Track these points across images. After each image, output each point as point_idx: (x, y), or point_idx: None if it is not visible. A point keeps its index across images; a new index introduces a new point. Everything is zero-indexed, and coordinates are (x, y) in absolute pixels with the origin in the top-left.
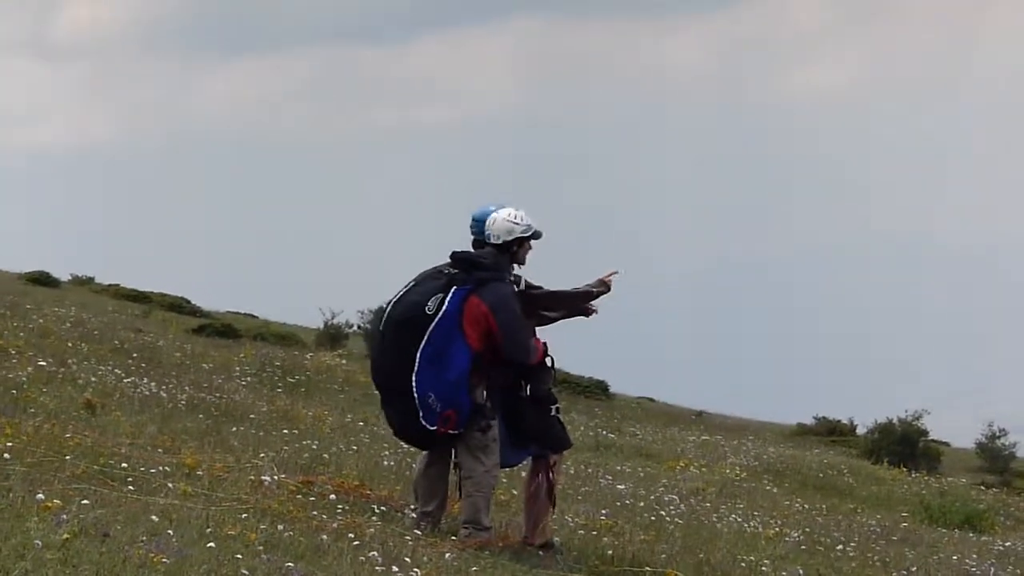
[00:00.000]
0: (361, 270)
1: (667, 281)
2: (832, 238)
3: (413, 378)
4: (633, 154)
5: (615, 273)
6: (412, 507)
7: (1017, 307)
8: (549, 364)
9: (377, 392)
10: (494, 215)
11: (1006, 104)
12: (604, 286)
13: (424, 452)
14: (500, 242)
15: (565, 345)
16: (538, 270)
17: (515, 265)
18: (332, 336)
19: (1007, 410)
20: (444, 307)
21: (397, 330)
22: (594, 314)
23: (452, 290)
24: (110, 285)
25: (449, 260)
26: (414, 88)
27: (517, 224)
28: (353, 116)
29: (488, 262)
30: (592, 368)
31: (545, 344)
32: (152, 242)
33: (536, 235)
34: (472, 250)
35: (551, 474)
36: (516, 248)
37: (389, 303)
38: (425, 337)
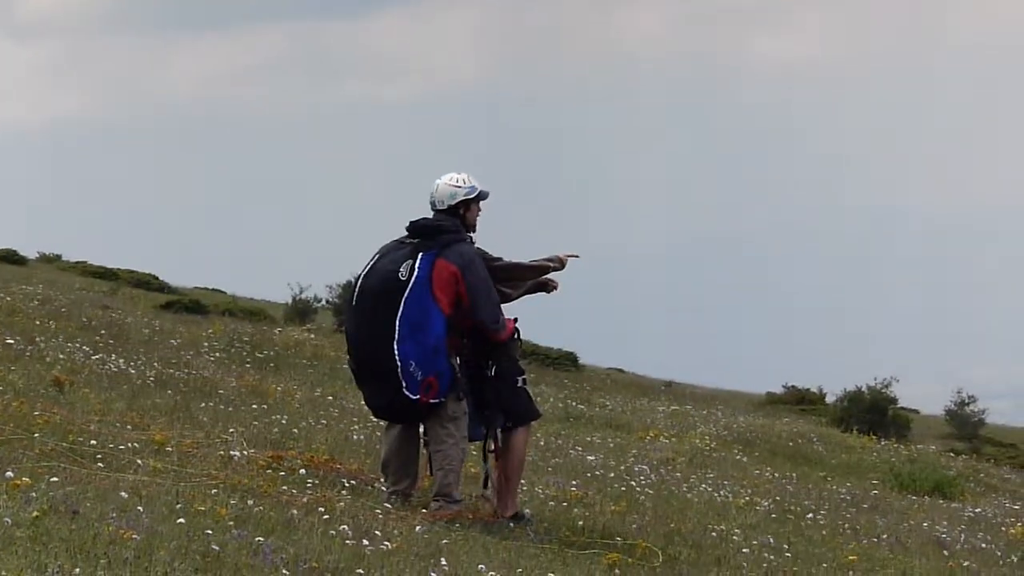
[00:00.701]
0: (329, 245)
1: (636, 253)
2: (800, 210)
3: (395, 347)
4: (600, 129)
5: (573, 256)
6: (383, 484)
7: (985, 276)
8: (514, 336)
9: (353, 371)
10: (437, 181)
11: (975, 78)
12: (559, 262)
13: (392, 431)
14: (446, 207)
15: (535, 317)
16: (504, 243)
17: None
18: (301, 311)
19: (976, 377)
20: (415, 272)
21: (374, 300)
22: (554, 289)
23: (420, 256)
24: (78, 262)
25: (408, 231)
26: (380, 63)
27: (459, 187)
28: (320, 91)
29: (448, 224)
30: (561, 340)
31: (516, 322)
32: (119, 219)
33: (481, 196)
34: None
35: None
36: (463, 211)
37: (359, 276)
38: (401, 304)
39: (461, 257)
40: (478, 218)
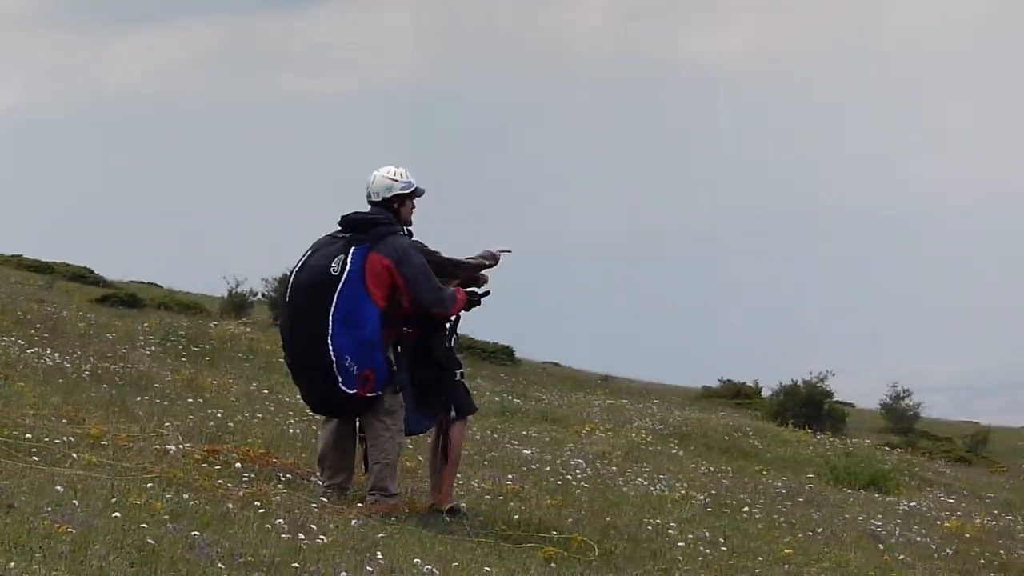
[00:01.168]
0: (265, 239)
1: (573, 248)
2: (733, 205)
3: (329, 342)
4: (535, 124)
5: (506, 251)
6: (319, 479)
7: (920, 270)
8: (449, 327)
9: (289, 367)
10: (374, 173)
11: (904, 70)
12: (493, 259)
13: (328, 425)
14: (380, 199)
15: (471, 311)
16: (438, 239)
17: (405, 228)
18: (236, 305)
19: (911, 371)
20: (348, 267)
21: (307, 295)
22: (485, 282)
23: (352, 250)
24: (12, 256)
25: (340, 226)
26: (315, 57)
27: (396, 181)
28: (254, 85)
29: (382, 217)
30: (498, 334)
31: (470, 294)
32: (55, 212)
33: (417, 193)
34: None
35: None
36: (397, 206)
37: (292, 273)
38: (334, 299)
39: (395, 250)
40: (413, 214)
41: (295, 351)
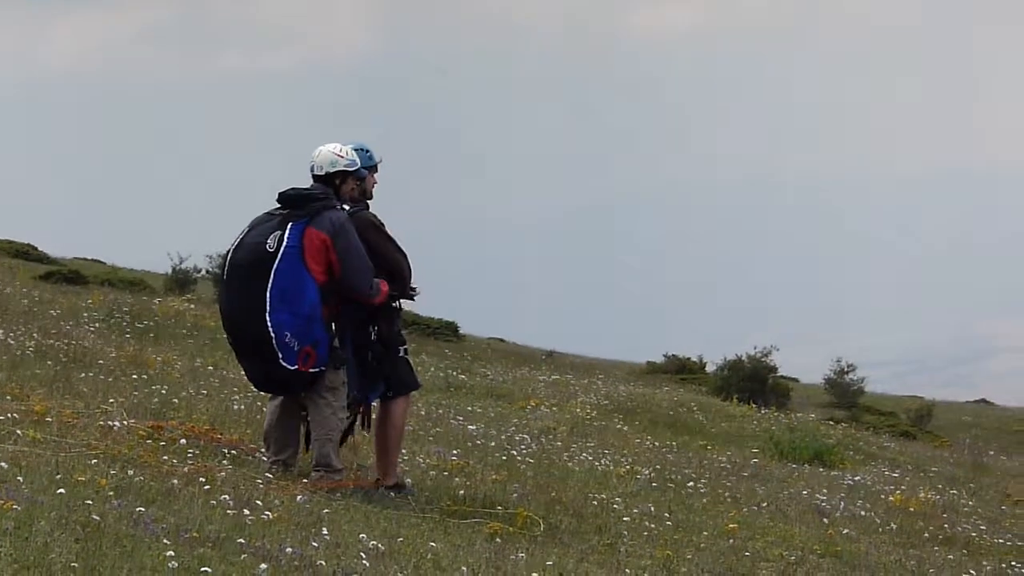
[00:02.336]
0: (209, 215)
1: (516, 224)
2: (678, 180)
3: (267, 318)
4: (481, 101)
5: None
6: (264, 455)
7: (865, 245)
8: (397, 306)
9: (231, 346)
10: (321, 147)
11: (853, 48)
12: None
13: (274, 401)
14: (324, 173)
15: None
16: (382, 215)
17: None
18: (180, 281)
19: (855, 345)
20: (284, 243)
21: (243, 273)
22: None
23: (289, 226)
24: None
25: (278, 203)
26: (260, 33)
27: (341, 157)
28: (200, 62)
29: (319, 192)
30: (442, 310)
31: (392, 287)
32: None
33: (359, 175)
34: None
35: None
36: (339, 182)
37: (229, 251)
38: (271, 275)
39: (332, 224)
40: (375, 188)
41: (234, 329)
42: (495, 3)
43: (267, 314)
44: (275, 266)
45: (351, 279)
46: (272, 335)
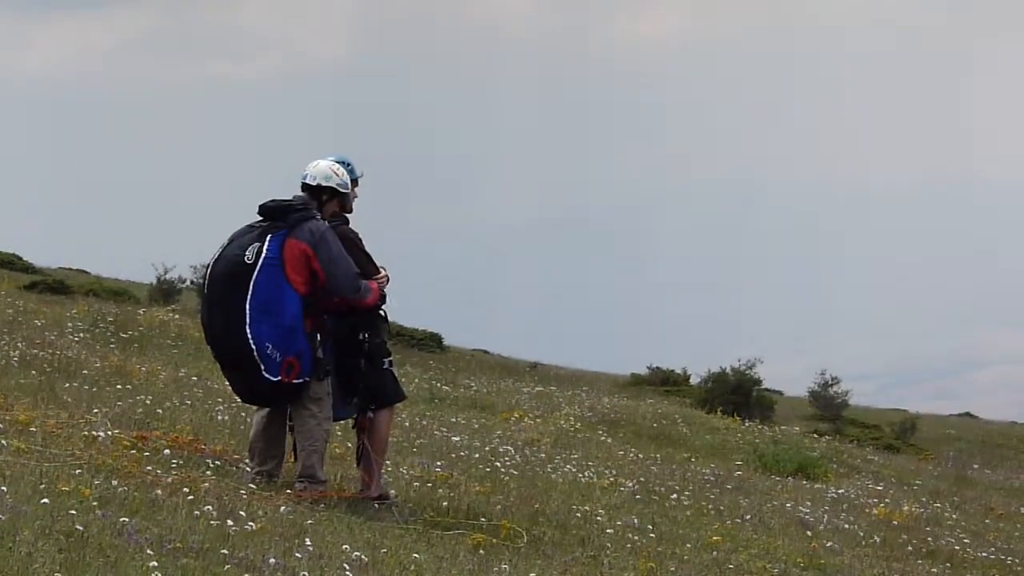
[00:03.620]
0: (193, 225)
1: (500, 234)
2: (661, 190)
3: (247, 331)
4: (465, 108)
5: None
6: (248, 465)
7: (848, 259)
8: (383, 316)
9: (215, 359)
10: (320, 160)
11: (843, 54)
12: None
13: (260, 412)
14: (315, 184)
15: (399, 298)
16: (367, 225)
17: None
18: (165, 291)
19: (839, 358)
20: (264, 254)
21: (222, 286)
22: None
23: (268, 238)
24: None
25: (259, 215)
26: (241, 41)
27: (337, 175)
28: (184, 69)
29: (298, 204)
30: (426, 321)
31: (383, 290)
32: None
33: (344, 199)
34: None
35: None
36: (326, 198)
37: (209, 264)
38: (251, 287)
39: (311, 235)
40: (354, 203)
41: (216, 343)
42: (481, 12)
43: (247, 326)
44: (254, 278)
45: (338, 285)
46: (253, 347)
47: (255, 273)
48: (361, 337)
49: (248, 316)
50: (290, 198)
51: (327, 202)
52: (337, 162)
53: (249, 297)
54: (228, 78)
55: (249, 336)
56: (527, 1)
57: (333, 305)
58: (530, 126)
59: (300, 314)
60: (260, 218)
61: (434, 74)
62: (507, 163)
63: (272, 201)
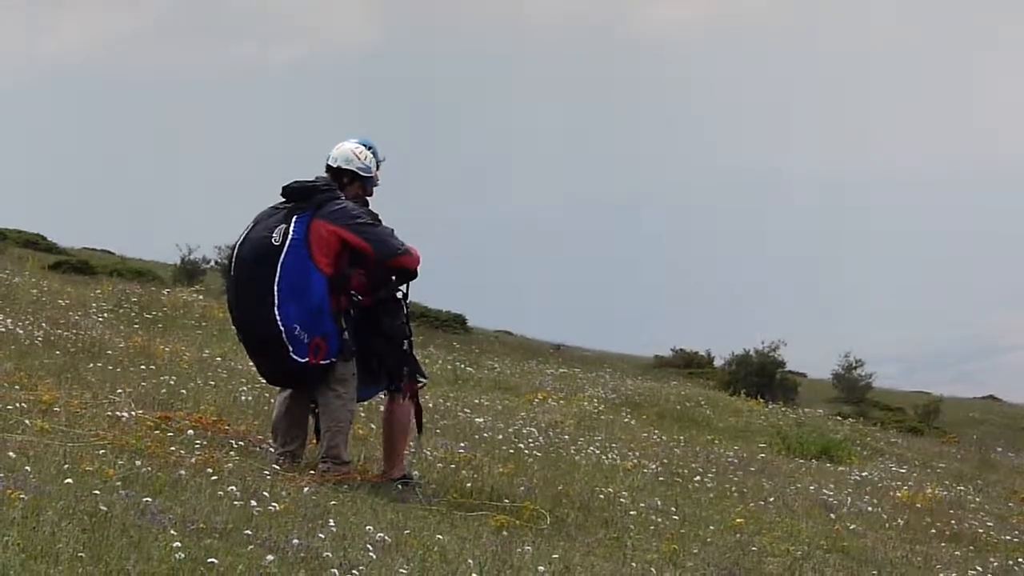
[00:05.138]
0: (218, 206)
1: (524, 217)
2: (692, 175)
3: (276, 312)
4: (495, 94)
5: None
6: (272, 446)
7: (874, 242)
8: (401, 298)
9: (241, 341)
10: (345, 142)
11: (851, 44)
12: None
13: (283, 393)
14: (336, 166)
15: (423, 279)
16: (400, 210)
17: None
18: (189, 272)
19: (864, 341)
20: (290, 236)
21: (250, 268)
22: None
23: (294, 219)
24: None
25: (282, 196)
26: (268, 25)
27: (359, 158)
28: (208, 53)
29: (322, 185)
30: (450, 302)
31: (398, 283)
32: (7, 180)
33: (365, 183)
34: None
35: (411, 402)
36: (347, 181)
37: (235, 246)
38: (278, 269)
39: (336, 212)
40: (375, 191)
41: (243, 325)
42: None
43: (275, 308)
44: (281, 260)
45: (386, 248)
46: (282, 328)
47: (282, 255)
48: (378, 320)
49: (277, 298)
50: (314, 180)
51: (348, 185)
52: (360, 143)
53: (277, 279)
54: (254, 60)
55: (278, 317)
56: None
57: (361, 285)
58: (555, 111)
59: (327, 295)
60: (283, 199)
61: (460, 57)
62: (532, 146)
63: (296, 182)
